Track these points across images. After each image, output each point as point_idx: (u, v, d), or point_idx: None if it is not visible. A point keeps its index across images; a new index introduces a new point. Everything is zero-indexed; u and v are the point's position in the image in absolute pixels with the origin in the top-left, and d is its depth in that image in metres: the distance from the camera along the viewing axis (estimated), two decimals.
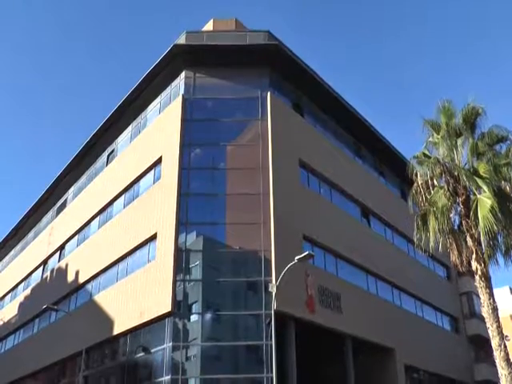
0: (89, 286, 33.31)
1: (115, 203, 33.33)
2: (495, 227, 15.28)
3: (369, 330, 29.96)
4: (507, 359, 15.39)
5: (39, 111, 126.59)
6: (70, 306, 34.81)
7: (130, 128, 34.33)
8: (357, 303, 29.76)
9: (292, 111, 30.82)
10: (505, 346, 15.58)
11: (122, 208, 32.17)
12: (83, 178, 39.59)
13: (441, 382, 37.91)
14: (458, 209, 17.13)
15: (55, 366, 34.81)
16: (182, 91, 29.47)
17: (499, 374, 15.51)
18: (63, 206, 42.11)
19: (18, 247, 50.72)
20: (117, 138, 35.63)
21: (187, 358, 24.88)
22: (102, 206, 34.39)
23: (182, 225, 26.06)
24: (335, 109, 33.42)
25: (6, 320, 46.63)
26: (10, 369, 41.20)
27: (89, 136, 36.69)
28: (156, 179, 29.28)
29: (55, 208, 43.63)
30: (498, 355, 15.51)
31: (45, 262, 42.21)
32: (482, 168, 16.67)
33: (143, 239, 28.25)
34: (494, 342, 15.63)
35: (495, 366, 15.88)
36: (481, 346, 41.60)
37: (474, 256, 16.30)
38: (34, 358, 37.06)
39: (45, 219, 45.67)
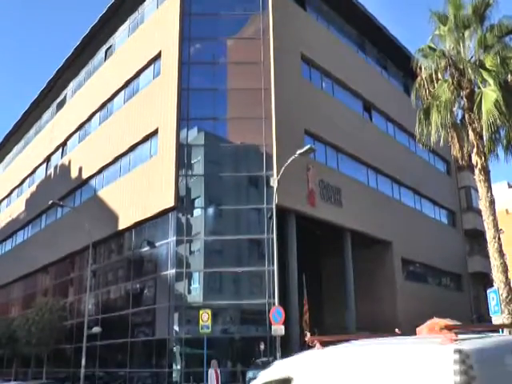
0: (92, 182, 33.75)
1: (115, 99, 32.98)
2: (498, 121, 15.12)
3: (368, 223, 30.59)
4: (500, 250, 15.76)
5: (35, 7, 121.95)
6: (75, 201, 35.47)
7: (127, 23, 33.25)
8: (357, 197, 30.21)
9: (294, 4, 29.66)
10: (499, 239, 15.89)
11: (122, 104, 31.89)
12: (82, 74, 38.87)
13: (436, 273, 39.26)
14: (462, 102, 16.87)
15: (65, 259, 36.04)
16: None
17: (491, 265, 15.93)
18: (63, 102, 41.66)
19: (21, 144, 50.68)
20: (114, 33, 34.58)
21: (191, 252, 25.71)
22: (102, 102, 34.08)
23: (183, 120, 26.00)
24: (338, 0, 32.16)
25: (14, 216, 47.55)
26: (21, 263, 42.63)
27: (85, 31, 35.62)
28: (156, 74, 28.78)
29: (55, 104, 43.21)
30: (491, 247, 15.86)
31: (48, 159, 42.47)
32: (489, 61, 16.22)
33: (144, 135, 28.29)
34: (489, 234, 15.93)
35: (488, 259, 16.31)
36: (475, 239, 42.59)
37: (474, 150, 16.25)
38: (43, 253, 38.25)
39: (45, 116, 45.35)
